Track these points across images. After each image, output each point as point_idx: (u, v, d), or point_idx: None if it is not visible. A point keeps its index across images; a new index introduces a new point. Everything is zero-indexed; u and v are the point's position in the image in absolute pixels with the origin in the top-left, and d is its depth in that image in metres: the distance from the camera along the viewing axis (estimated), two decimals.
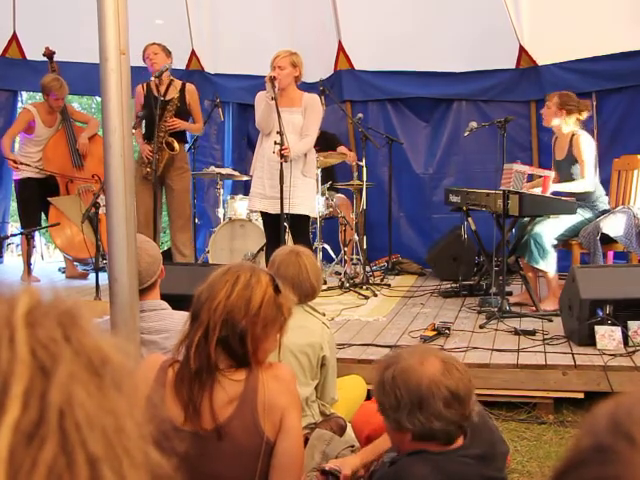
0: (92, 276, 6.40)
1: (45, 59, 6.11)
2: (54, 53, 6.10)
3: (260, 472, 1.76)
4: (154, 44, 5.33)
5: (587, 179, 4.61)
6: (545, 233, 4.51)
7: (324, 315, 3.03)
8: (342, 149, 6.35)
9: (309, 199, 4.85)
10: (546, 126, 4.85)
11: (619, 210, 4.67)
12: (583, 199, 4.66)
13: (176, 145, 5.29)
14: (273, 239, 4.76)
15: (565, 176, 4.74)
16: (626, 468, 0.51)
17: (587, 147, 4.60)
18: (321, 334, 2.74)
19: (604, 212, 4.66)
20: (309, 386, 2.69)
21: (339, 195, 6.53)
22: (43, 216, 6.19)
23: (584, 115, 4.67)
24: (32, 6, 6.59)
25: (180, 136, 5.49)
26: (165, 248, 5.88)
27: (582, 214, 4.62)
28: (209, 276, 1.82)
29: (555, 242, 4.56)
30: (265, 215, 4.86)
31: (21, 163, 5.88)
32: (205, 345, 1.71)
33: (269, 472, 1.78)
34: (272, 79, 4.53)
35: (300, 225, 4.82)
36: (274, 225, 4.71)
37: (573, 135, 4.63)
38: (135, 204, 2.22)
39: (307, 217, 4.88)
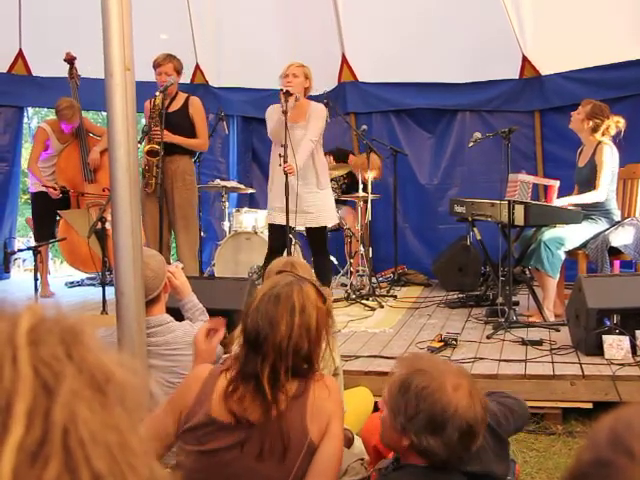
0: (90, 290, 6.43)
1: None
2: (75, 59, 5.99)
3: (296, 474, 1.79)
4: (170, 62, 5.03)
5: (600, 190, 4.59)
6: (560, 240, 4.49)
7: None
8: (350, 158, 6.49)
9: (330, 209, 4.95)
10: (570, 127, 4.83)
11: (627, 222, 4.65)
12: (600, 210, 4.65)
13: (159, 151, 4.90)
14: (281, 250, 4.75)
15: (584, 182, 4.72)
16: None
17: (609, 156, 4.58)
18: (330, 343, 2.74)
19: (615, 224, 4.65)
20: None
21: (345, 207, 6.54)
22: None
23: (611, 132, 4.65)
24: (37, 23, 6.64)
25: (181, 148, 5.18)
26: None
27: (600, 226, 4.61)
28: (256, 300, 1.85)
29: (568, 249, 4.55)
30: (277, 227, 4.80)
31: (53, 188, 5.90)
32: (276, 376, 1.79)
33: (305, 475, 1.81)
34: (287, 94, 4.54)
35: (321, 237, 4.91)
36: (284, 237, 4.65)
37: (599, 143, 4.63)
38: (141, 218, 2.22)
39: (325, 228, 4.95)
